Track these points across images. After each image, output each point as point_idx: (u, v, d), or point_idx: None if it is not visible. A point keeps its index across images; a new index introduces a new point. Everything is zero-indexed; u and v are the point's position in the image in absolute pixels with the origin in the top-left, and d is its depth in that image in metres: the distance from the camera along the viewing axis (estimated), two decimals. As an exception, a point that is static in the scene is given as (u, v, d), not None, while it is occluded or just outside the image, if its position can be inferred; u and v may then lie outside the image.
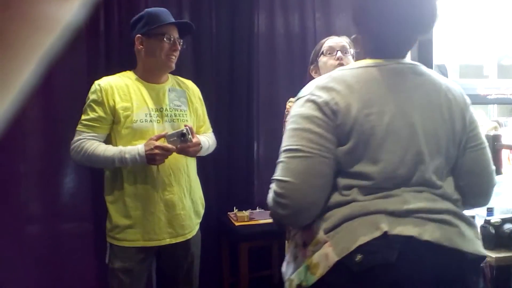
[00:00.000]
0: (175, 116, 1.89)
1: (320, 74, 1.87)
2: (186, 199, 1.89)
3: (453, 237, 0.99)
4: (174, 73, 1.97)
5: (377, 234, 0.95)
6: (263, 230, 2.44)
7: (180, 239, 1.87)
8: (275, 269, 2.56)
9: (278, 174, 1.03)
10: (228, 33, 2.59)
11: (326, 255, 0.97)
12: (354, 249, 0.95)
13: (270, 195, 1.04)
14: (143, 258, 1.86)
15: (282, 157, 1.04)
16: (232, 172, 2.60)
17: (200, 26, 2.50)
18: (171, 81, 1.96)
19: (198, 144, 1.84)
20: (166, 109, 1.87)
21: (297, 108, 1.07)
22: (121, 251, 1.82)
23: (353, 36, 1.20)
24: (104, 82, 1.82)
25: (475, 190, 1.17)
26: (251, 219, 2.52)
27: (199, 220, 1.99)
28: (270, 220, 2.47)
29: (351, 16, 1.23)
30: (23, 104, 0.24)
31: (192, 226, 1.92)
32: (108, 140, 1.83)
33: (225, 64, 2.59)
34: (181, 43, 1.89)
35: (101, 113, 1.78)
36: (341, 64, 1.76)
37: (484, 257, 1.04)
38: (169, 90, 1.91)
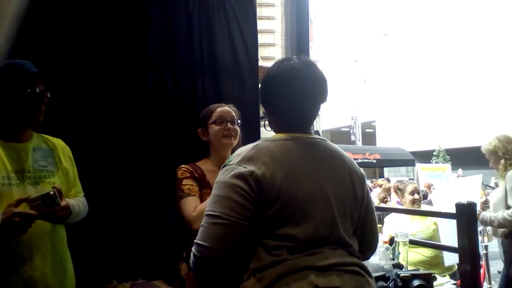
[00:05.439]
0: (39, 178, 1.65)
1: (208, 138, 2.00)
2: (51, 275, 1.61)
3: (364, 285, 1.18)
4: (40, 131, 1.75)
5: None
6: (145, 303, 2.22)
7: None
8: None
9: (198, 238, 1.14)
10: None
11: None
12: None
13: (191, 257, 1.15)
14: None
15: (204, 221, 1.15)
16: (112, 240, 2.36)
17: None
18: (36, 139, 1.72)
19: (67, 208, 1.61)
20: (28, 171, 1.63)
21: (223, 176, 1.18)
22: None
23: (266, 119, 1.37)
24: None
25: (370, 246, 1.42)
26: (132, 291, 2.29)
27: None
28: (154, 292, 2.29)
29: (260, 99, 1.38)
30: None
31: None
32: None
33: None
34: (48, 95, 1.68)
35: None
36: (230, 135, 1.94)
37: None
38: (33, 149, 1.68)
